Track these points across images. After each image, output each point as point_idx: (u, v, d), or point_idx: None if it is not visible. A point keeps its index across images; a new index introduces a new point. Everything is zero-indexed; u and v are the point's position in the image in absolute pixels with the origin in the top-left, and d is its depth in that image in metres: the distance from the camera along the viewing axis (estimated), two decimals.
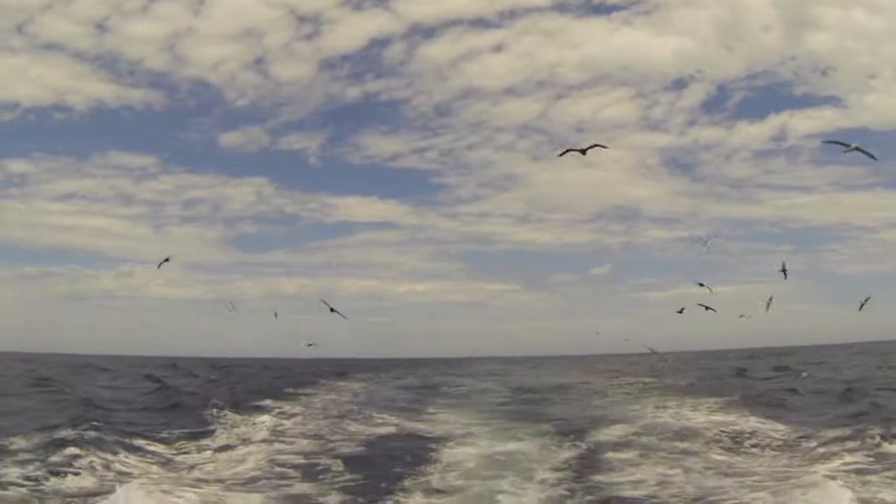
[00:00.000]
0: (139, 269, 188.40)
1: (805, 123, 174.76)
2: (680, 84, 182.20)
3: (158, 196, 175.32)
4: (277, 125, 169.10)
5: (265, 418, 23.93)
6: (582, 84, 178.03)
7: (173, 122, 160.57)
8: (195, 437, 20.48)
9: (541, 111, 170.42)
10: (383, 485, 14.10)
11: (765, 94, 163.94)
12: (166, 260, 27.29)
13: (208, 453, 18.30)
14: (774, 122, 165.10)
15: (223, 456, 17.97)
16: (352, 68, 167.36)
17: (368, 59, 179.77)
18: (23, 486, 13.53)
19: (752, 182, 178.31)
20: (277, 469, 16.21)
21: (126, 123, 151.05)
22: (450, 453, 17.29)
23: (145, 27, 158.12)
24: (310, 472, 15.75)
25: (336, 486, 14.51)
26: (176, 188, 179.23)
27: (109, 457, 16.29)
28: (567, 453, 16.84)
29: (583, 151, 15.33)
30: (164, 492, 13.26)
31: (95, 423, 19.73)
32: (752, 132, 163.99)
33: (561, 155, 15.91)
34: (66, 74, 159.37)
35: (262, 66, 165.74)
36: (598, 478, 14.30)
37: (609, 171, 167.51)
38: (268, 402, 28.39)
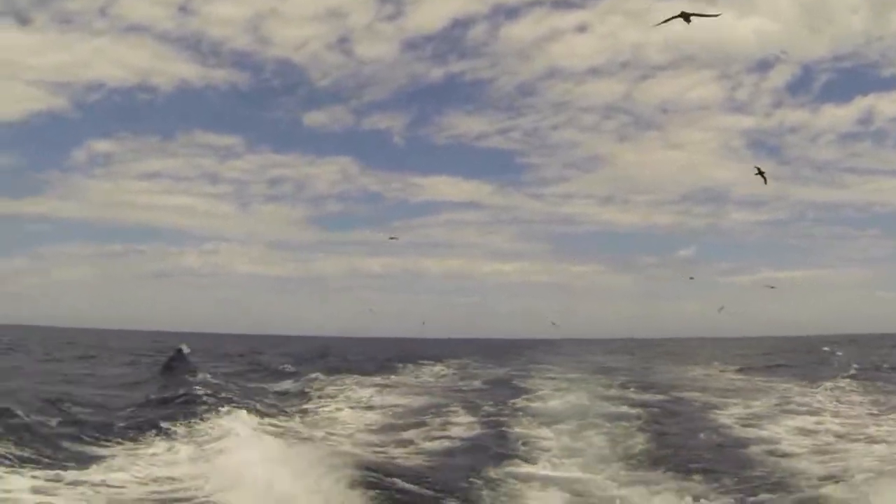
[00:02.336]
0: (224, 246, 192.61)
1: (893, 106, 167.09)
2: (764, 65, 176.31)
3: (243, 175, 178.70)
4: (361, 105, 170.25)
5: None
6: (666, 65, 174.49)
7: (258, 102, 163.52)
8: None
9: (625, 92, 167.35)
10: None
11: (851, 76, 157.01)
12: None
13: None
14: (861, 104, 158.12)
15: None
16: (435, 48, 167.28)
17: (451, 39, 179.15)
18: None
19: (837, 165, 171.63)
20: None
21: (210, 103, 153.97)
22: None
23: (229, 8, 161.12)
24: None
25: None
26: (260, 167, 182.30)
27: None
28: None
29: (686, 17, 12.88)
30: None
31: None
32: (838, 115, 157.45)
33: (660, 24, 13.47)
34: (150, 55, 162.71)
35: (345, 46, 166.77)
36: None
37: (694, 153, 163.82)
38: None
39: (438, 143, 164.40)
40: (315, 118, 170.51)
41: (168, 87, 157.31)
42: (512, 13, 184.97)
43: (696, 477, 11.91)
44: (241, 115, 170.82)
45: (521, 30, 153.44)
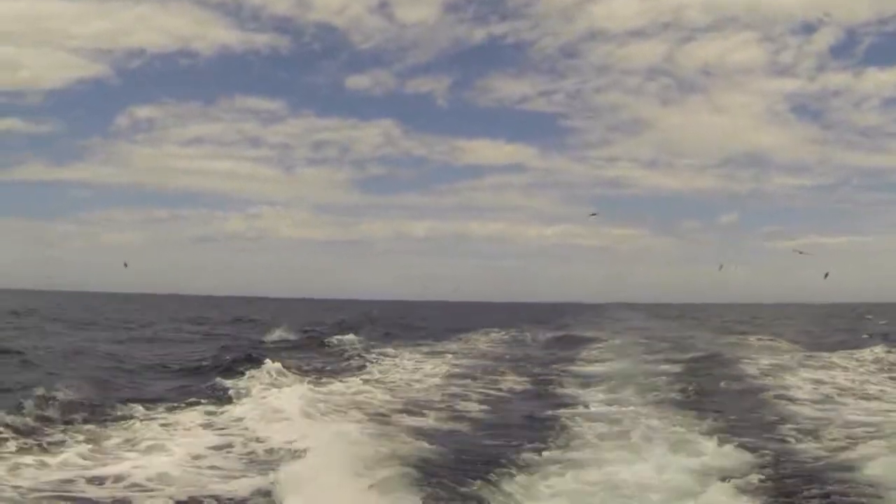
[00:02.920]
0: (268, 210, 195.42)
1: None
2: (808, 28, 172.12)
3: (286, 139, 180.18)
4: (404, 68, 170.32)
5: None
6: (708, 26, 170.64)
7: (299, 66, 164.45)
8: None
9: (667, 53, 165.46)
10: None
11: (895, 40, 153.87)
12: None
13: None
14: None
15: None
16: (476, 10, 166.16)
17: (493, 0, 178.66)
18: None
19: (882, 130, 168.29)
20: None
21: (252, 68, 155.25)
22: None
23: None
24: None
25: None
26: (303, 131, 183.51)
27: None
28: None
29: None
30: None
31: None
32: (883, 79, 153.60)
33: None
34: (191, 21, 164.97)
35: (386, 10, 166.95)
36: None
37: (737, 117, 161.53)
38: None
39: (481, 105, 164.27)
40: (357, 82, 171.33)
41: (209, 52, 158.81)
42: None
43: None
44: (282, 79, 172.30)
45: None
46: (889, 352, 25.12)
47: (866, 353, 25.32)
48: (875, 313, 68.02)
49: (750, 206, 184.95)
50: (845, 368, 22.06)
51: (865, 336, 36.89)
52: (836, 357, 24.80)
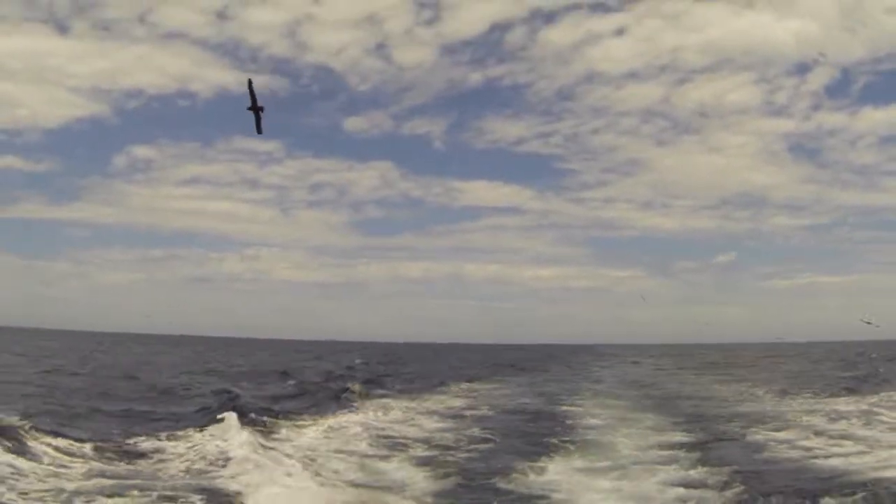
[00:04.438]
0: (265, 252, 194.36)
1: None
2: (803, 68, 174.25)
3: (283, 180, 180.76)
4: (401, 110, 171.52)
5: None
6: (704, 68, 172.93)
7: (297, 108, 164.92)
8: None
9: (663, 95, 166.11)
10: None
11: (890, 79, 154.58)
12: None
13: None
14: None
15: None
16: (473, 53, 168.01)
17: (490, 43, 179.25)
18: None
19: (878, 169, 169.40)
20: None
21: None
22: None
23: (266, 14, 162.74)
24: None
25: None
26: (301, 172, 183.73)
27: None
28: None
29: None
30: None
31: None
32: (878, 118, 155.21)
33: None
34: (189, 62, 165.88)
35: (383, 52, 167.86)
36: None
37: (733, 157, 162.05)
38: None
39: (478, 147, 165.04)
40: (355, 123, 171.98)
41: (207, 93, 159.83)
42: (549, 17, 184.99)
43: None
44: (280, 120, 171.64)
45: (559, 34, 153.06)
46: None
47: None
48: (877, 351, 66.36)
49: (746, 245, 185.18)
50: None
51: None
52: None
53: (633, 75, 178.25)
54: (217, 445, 15.10)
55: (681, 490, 11.94)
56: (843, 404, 23.93)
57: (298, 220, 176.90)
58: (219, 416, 18.47)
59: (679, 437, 17.69)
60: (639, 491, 12.01)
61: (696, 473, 13.14)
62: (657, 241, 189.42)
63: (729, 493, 11.49)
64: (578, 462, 14.52)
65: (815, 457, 15.09)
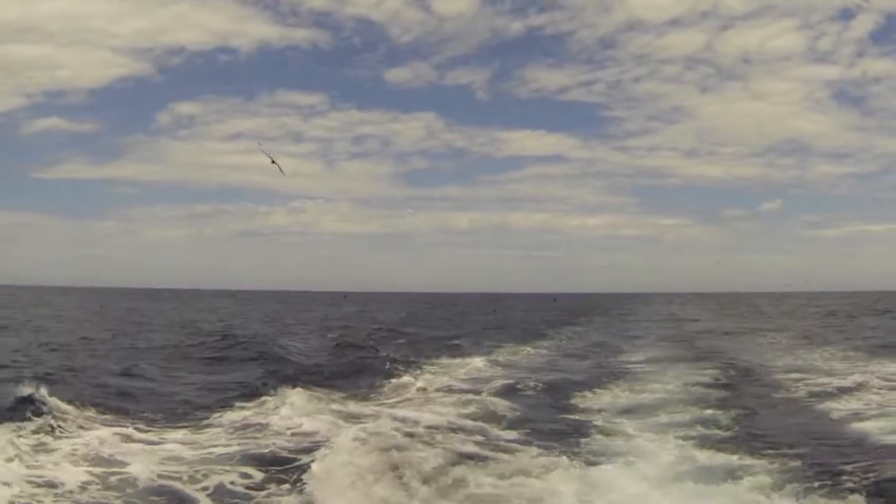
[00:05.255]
0: (310, 205, 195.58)
1: None
2: (847, 14, 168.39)
3: (328, 133, 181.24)
4: (443, 60, 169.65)
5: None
6: (746, 14, 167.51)
7: (339, 60, 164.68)
8: None
9: (706, 42, 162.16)
10: None
11: None
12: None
13: None
14: None
15: None
16: (514, 2, 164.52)
17: None
18: None
19: None
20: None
21: (292, 63, 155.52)
22: None
23: None
24: None
25: None
26: (345, 125, 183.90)
27: None
28: None
29: None
30: None
31: None
32: None
33: None
34: (229, 18, 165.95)
35: (424, 3, 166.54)
36: None
37: (777, 104, 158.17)
38: None
39: (521, 97, 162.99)
40: (397, 75, 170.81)
41: (249, 48, 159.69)
42: None
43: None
44: (323, 73, 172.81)
45: None
46: None
47: None
48: None
49: (792, 194, 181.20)
50: None
51: None
52: None
53: (675, 22, 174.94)
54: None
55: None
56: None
57: (343, 172, 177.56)
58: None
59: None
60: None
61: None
62: (702, 190, 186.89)
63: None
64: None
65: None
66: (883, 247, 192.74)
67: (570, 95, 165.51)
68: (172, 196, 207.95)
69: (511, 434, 12.72)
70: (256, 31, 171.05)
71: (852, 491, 8.75)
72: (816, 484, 9.08)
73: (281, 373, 19.30)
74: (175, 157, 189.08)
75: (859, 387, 17.33)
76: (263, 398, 15.52)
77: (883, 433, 12.25)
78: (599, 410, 15.04)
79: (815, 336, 33.34)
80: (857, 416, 13.97)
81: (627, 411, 14.93)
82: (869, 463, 10.01)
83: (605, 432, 12.81)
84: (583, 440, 12.12)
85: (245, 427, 13.01)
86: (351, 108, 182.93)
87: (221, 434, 12.55)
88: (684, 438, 11.99)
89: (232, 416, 14.11)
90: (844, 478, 9.35)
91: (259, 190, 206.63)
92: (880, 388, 16.99)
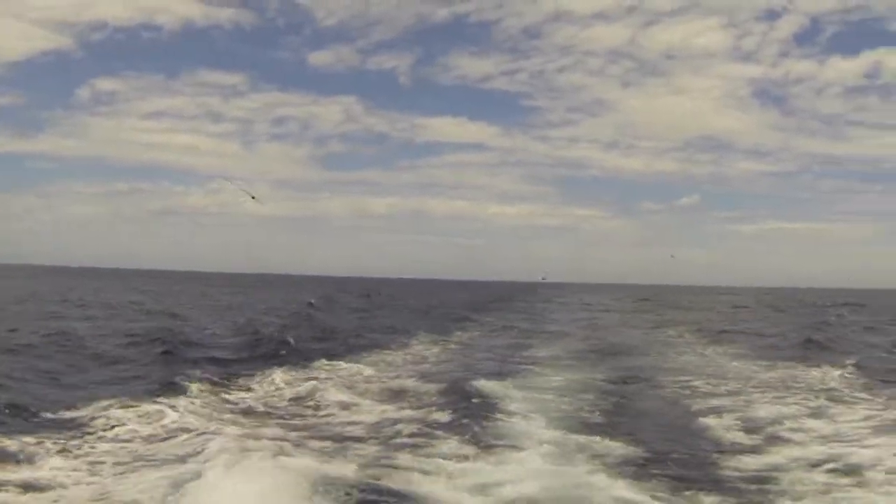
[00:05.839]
0: (228, 185, 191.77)
1: None
2: (772, 14, 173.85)
3: (248, 114, 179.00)
4: (367, 44, 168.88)
5: None
6: (672, 11, 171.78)
7: (263, 41, 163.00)
8: None
9: (631, 37, 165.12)
10: None
11: (858, 29, 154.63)
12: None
13: None
14: (868, 58, 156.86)
15: None
16: None
17: None
18: None
19: (843, 119, 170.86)
20: None
21: (215, 42, 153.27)
22: None
23: None
24: None
25: None
26: (265, 106, 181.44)
27: None
28: None
29: None
30: None
31: None
32: (845, 67, 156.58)
33: None
34: None
35: None
36: None
37: (699, 100, 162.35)
38: None
39: (444, 83, 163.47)
40: (320, 58, 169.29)
41: (172, 25, 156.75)
42: None
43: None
44: (245, 54, 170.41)
45: None
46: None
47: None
48: (837, 304, 66.16)
49: (710, 189, 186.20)
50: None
51: None
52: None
53: (600, 15, 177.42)
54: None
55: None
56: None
57: (262, 153, 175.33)
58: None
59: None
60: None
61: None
62: (621, 182, 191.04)
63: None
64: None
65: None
66: (799, 245, 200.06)
67: (493, 84, 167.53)
68: (92, 172, 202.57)
69: (397, 421, 13.41)
70: (181, 8, 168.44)
71: (686, 479, 9.88)
72: (660, 471, 10.21)
73: (178, 364, 18.97)
74: (95, 134, 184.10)
75: (729, 383, 18.80)
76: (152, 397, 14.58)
77: (727, 429, 13.45)
78: (496, 400, 15.52)
79: (713, 332, 34.77)
80: (715, 410, 15.18)
81: (523, 401, 15.60)
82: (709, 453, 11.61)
83: (499, 420, 13.45)
84: (477, 428, 12.64)
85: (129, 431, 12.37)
86: (272, 90, 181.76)
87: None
88: (567, 425, 13.01)
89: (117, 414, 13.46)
90: (687, 465, 10.80)
91: (178, 169, 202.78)
92: (750, 387, 18.30)
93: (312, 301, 52.13)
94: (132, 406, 13.74)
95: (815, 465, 10.78)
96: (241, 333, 28.10)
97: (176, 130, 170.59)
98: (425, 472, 9.87)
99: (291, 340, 24.59)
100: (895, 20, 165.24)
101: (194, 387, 15.89)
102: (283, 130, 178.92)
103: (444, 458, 10.68)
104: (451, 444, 11.60)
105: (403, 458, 10.69)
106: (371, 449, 11.48)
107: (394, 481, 9.50)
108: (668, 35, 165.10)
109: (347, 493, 8.76)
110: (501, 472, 9.97)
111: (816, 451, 11.61)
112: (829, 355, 23.65)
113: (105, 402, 13.97)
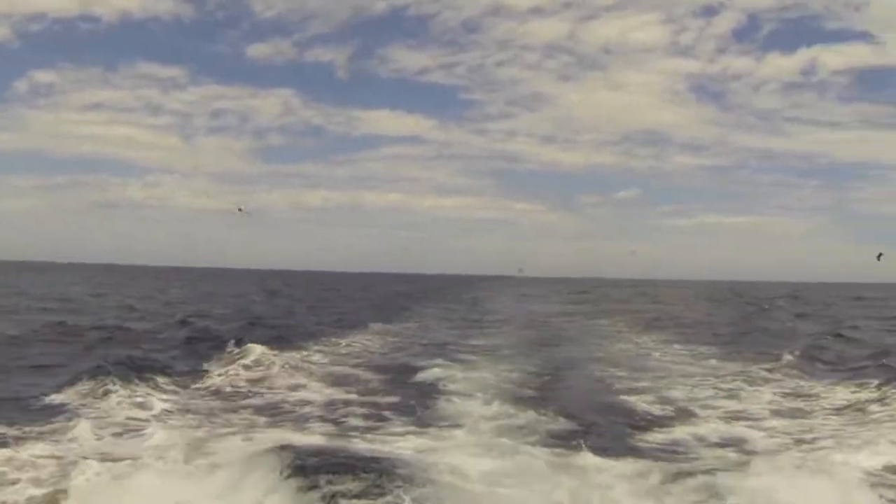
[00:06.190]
0: (167, 178, 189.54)
1: (836, 59, 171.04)
2: (710, 11, 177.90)
3: (186, 107, 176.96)
4: (305, 37, 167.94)
5: None
6: (610, 6, 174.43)
7: (201, 34, 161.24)
8: None
9: (569, 31, 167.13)
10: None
11: (796, 27, 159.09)
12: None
13: None
14: (805, 55, 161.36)
15: None
16: None
17: None
18: None
19: (780, 115, 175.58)
20: None
21: (154, 34, 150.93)
22: None
23: None
24: None
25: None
26: (204, 99, 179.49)
27: None
28: None
29: None
30: None
31: None
32: (782, 64, 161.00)
33: None
34: None
35: None
36: None
37: (637, 95, 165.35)
38: None
39: (381, 76, 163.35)
40: (258, 50, 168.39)
41: (111, 17, 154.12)
42: None
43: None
44: (184, 46, 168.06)
45: None
46: None
47: None
48: (771, 297, 68.25)
49: (649, 183, 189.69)
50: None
51: None
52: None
53: (538, 10, 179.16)
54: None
55: None
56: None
57: (200, 146, 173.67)
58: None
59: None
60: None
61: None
62: (560, 176, 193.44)
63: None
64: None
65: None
66: (737, 238, 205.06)
67: (431, 77, 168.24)
68: (29, 166, 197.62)
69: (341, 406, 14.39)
70: (119, 0, 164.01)
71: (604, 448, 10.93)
72: (583, 441, 11.06)
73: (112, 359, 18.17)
74: (32, 126, 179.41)
75: (654, 368, 20.43)
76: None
77: (646, 405, 15.04)
78: (438, 383, 16.68)
79: (646, 322, 36.45)
80: (636, 390, 16.69)
81: (463, 382, 16.81)
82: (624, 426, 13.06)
83: (440, 401, 14.63)
84: (420, 410, 13.81)
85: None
86: (210, 83, 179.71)
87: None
88: (503, 404, 14.09)
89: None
90: (605, 436, 12.10)
91: (116, 162, 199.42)
92: (674, 371, 19.93)
93: (256, 298, 52.30)
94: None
95: (715, 441, 12.18)
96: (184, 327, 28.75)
97: (115, 123, 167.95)
98: (375, 450, 10.67)
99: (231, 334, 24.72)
100: (832, 18, 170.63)
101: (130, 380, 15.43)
102: (222, 123, 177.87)
103: (392, 436, 11.82)
104: (396, 424, 12.77)
105: (354, 439, 11.54)
106: (323, 428, 12.44)
107: (345, 459, 9.82)
108: (607, 30, 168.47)
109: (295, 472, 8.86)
110: (443, 446, 11.05)
111: (716, 427, 13.16)
112: (754, 343, 25.55)
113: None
